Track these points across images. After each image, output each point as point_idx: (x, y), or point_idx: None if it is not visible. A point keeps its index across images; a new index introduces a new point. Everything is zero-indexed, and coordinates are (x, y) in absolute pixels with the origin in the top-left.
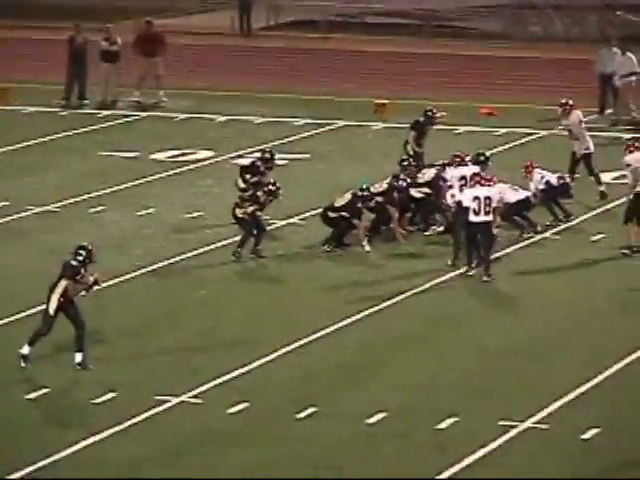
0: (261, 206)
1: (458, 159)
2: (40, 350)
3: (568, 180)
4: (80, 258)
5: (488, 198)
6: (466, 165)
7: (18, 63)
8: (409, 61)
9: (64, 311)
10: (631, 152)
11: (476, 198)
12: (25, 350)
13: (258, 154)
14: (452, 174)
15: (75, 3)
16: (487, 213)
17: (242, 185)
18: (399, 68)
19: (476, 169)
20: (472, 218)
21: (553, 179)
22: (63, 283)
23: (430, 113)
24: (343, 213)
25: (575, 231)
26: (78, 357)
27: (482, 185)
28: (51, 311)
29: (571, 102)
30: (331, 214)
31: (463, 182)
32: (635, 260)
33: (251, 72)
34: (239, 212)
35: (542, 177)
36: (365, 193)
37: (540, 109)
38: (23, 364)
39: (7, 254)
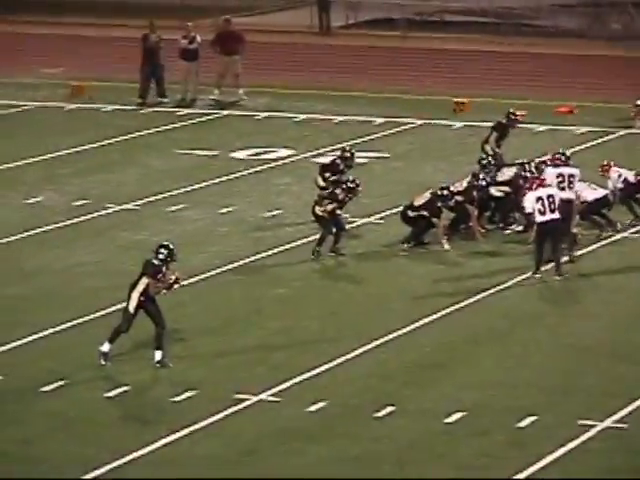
0: (340, 204)
1: (557, 161)
2: (120, 348)
3: None
4: (161, 257)
5: (551, 196)
6: (566, 165)
7: (96, 61)
8: (487, 59)
9: (144, 309)
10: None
11: (539, 199)
12: (105, 348)
13: (338, 152)
14: (550, 173)
15: (153, 1)
16: (552, 211)
17: (322, 183)
18: (478, 66)
19: (575, 170)
20: (539, 219)
21: (630, 177)
22: (144, 281)
23: (512, 115)
24: (422, 212)
25: None
26: (158, 355)
27: (544, 187)
28: (131, 309)
29: None
30: (410, 213)
31: (560, 180)
32: None
33: (330, 70)
34: (319, 210)
35: (619, 175)
36: (445, 192)
37: (620, 107)
38: (103, 362)
39: (87, 252)
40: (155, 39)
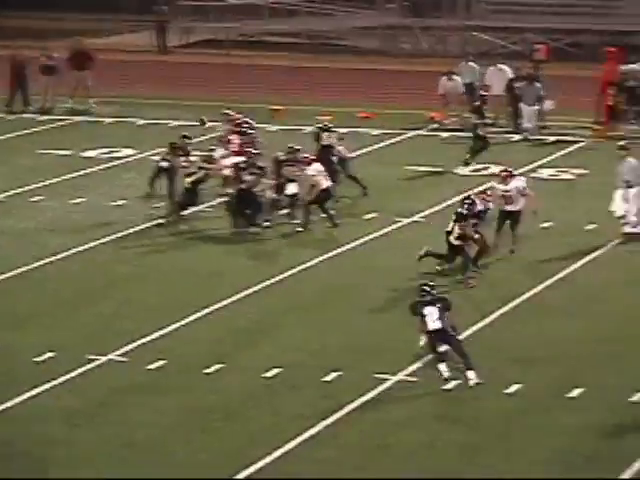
0: None
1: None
2: None
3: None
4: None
5: None
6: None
7: None
8: (300, 73)
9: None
10: (510, 178)
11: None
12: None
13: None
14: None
15: (23, 25)
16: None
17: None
18: (291, 79)
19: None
20: (324, 184)
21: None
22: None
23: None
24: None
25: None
26: (471, 374)
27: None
28: None
29: None
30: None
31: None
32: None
33: (167, 83)
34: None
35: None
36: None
37: (409, 113)
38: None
39: None
40: (21, 57)
